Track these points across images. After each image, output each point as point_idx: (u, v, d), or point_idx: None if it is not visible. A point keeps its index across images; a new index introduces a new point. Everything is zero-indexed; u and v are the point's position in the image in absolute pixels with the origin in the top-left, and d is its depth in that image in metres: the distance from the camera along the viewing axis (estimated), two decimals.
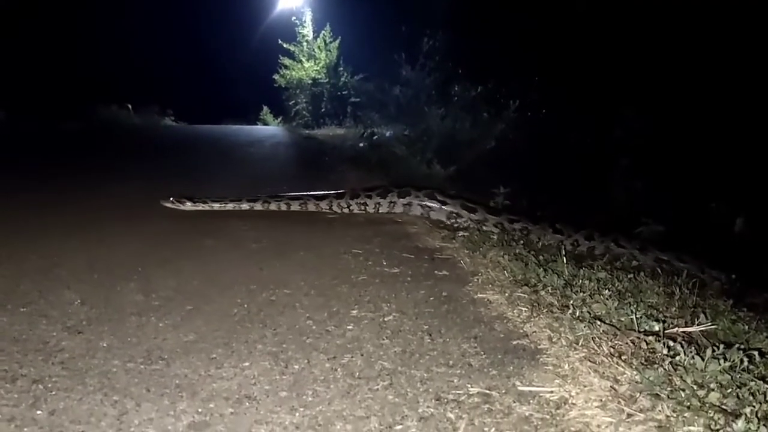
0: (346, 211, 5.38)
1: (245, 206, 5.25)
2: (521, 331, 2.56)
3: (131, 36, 27.59)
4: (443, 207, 5.22)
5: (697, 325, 2.64)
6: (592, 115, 10.85)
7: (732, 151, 8.54)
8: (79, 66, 21.82)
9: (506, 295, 3.01)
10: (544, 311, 2.73)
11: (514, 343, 2.43)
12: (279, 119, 26.84)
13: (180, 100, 25.41)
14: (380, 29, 15.83)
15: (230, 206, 5.24)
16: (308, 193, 5.49)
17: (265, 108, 28.11)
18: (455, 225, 5.03)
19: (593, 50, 11.39)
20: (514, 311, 2.79)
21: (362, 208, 5.40)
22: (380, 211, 5.39)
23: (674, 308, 3.04)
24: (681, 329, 2.57)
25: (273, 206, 5.31)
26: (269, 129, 23.70)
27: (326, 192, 5.52)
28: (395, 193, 5.41)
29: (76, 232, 4.22)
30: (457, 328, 2.60)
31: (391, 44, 12.53)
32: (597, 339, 2.34)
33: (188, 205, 5.13)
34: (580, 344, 2.32)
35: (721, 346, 2.18)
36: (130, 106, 21.49)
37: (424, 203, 5.30)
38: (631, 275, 3.58)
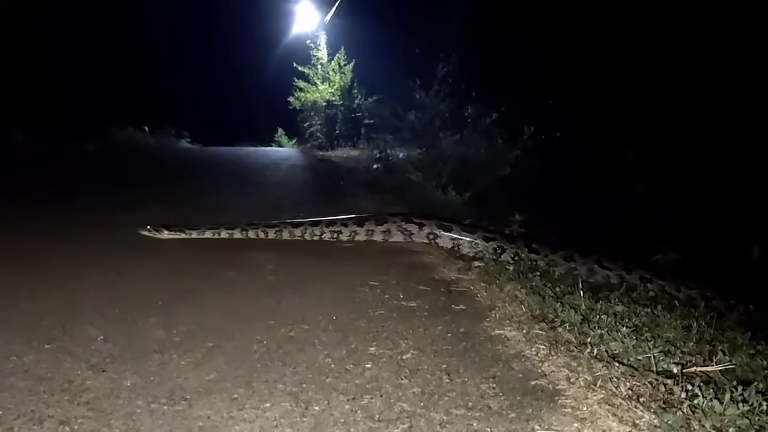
0: (316, 238, 5.39)
1: (225, 234, 5.30)
2: (539, 370, 2.56)
3: (148, 58, 28.20)
4: (422, 229, 5.33)
5: (716, 363, 2.64)
6: (606, 139, 10.85)
7: (749, 176, 8.49)
8: (97, 87, 22.25)
9: (524, 331, 3.02)
10: (562, 349, 2.73)
11: (533, 383, 2.44)
12: (294, 141, 27.12)
13: (195, 121, 25.83)
14: (394, 52, 15.97)
15: (208, 234, 5.27)
16: (285, 221, 5.52)
17: (279, 130, 28.43)
18: (471, 255, 5.08)
19: (607, 71, 11.41)
20: (532, 349, 2.79)
21: (335, 236, 5.41)
22: (356, 239, 5.42)
23: (692, 343, 3.05)
24: (699, 368, 2.57)
25: (251, 234, 5.33)
26: (284, 151, 23.92)
27: (301, 220, 5.56)
28: (372, 221, 5.46)
29: (95, 264, 4.29)
30: (475, 367, 2.61)
31: (405, 67, 12.65)
32: (615, 380, 2.34)
33: (165, 234, 5.17)
34: (598, 385, 2.33)
35: (740, 388, 2.19)
36: (146, 128, 21.82)
37: (402, 227, 5.38)
38: (648, 309, 3.58)
